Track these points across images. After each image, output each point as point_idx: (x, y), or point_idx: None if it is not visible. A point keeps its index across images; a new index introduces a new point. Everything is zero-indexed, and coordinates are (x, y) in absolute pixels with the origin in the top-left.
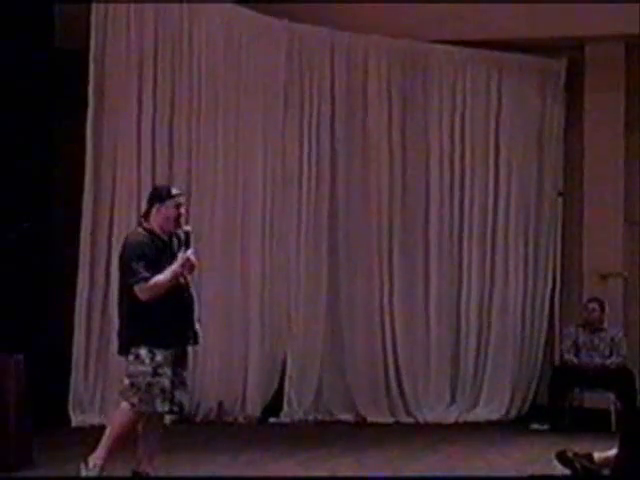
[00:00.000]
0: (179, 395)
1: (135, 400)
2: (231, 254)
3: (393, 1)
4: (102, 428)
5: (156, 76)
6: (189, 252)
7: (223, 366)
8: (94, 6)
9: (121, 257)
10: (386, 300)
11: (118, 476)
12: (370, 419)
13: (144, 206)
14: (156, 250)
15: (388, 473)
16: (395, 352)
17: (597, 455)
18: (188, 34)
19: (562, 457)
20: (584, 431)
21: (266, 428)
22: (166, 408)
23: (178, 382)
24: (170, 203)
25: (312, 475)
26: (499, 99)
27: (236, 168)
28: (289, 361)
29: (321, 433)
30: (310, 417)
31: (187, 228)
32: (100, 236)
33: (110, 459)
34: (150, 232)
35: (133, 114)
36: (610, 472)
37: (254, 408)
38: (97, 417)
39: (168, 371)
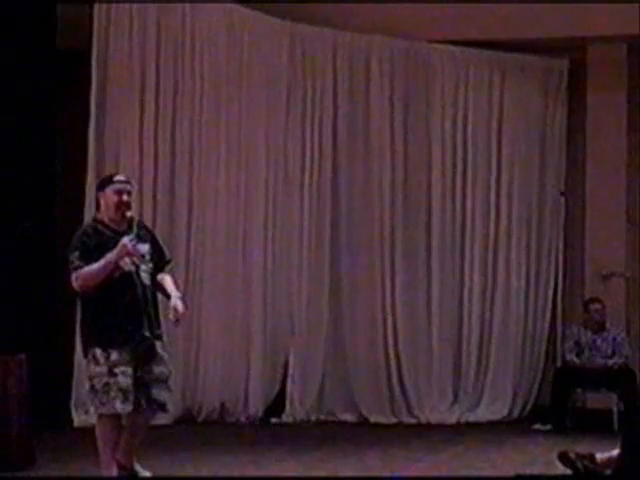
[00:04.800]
0: (157, 392)
1: (96, 403)
2: (233, 254)
3: (395, 1)
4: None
5: (158, 76)
6: (125, 239)
7: (225, 366)
8: (96, 6)
9: None
10: (388, 301)
11: (116, 476)
12: (372, 419)
13: (145, 206)
14: (100, 240)
15: (389, 474)
16: (397, 352)
17: (599, 455)
18: (190, 34)
19: (564, 457)
20: (586, 431)
21: (268, 428)
22: (128, 408)
23: (151, 379)
24: (110, 189)
25: (314, 475)
26: (501, 99)
27: (238, 168)
28: (291, 361)
29: (323, 433)
30: (312, 417)
31: (129, 214)
32: None
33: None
34: (99, 222)
35: (135, 114)
36: (612, 472)
37: (256, 408)
38: None
39: (127, 370)
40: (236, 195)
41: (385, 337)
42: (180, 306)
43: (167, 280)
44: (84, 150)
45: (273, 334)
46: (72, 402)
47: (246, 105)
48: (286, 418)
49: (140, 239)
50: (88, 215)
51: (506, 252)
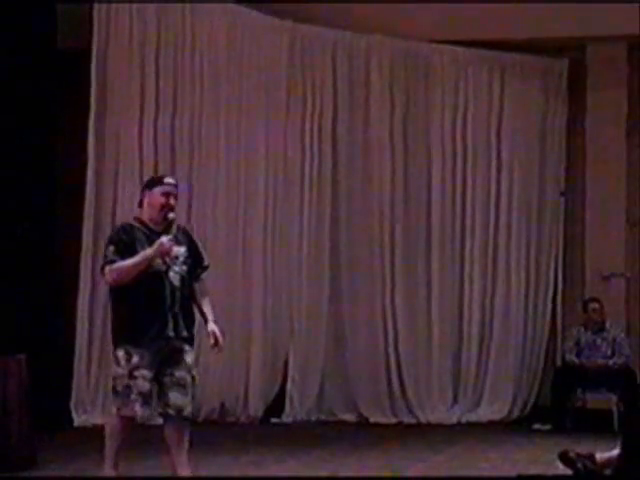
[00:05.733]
0: (174, 397)
1: (118, 404)
2: (233, 254)
3: (395, 1)
4: (104, 428)
5: (158, 76)
6: (164, 237)
7: (225, 366)
8: (96, 6)
9: None
10: (388, 301)
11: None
12: (372, 419)
13: None
14: (136, 237)
15: (389, 474)
16: (397, 352)
17: (599, 455)
18: (190, 34)
19: (564, 457)
20: (586, 431)
21: (268, 428)
22: (147, 412)
23: (171, 383)
24: (158, 190)
25: (314, 475)
26: (501, 99)
27: (238, 167)
28: (291, 361)
29: (323, 433)
30: (312, 417)
31: (171, 215)
32: (102, 236)
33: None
34: (137, 220)
35: (135, 114)
36: (612, 472)
37: (256, 408)
38: (99, 417)
39: (147, 373)
40: (236, 195)
41: (385, 337)
42: (219, 333)
43: (206, 302)
44: (84, 150)
45: (273, 334)
46: (72, 402)
47: (246, 105)
48: (286, 418)
49: (177, 241)
50: (89, 215)
51: (506, 252)
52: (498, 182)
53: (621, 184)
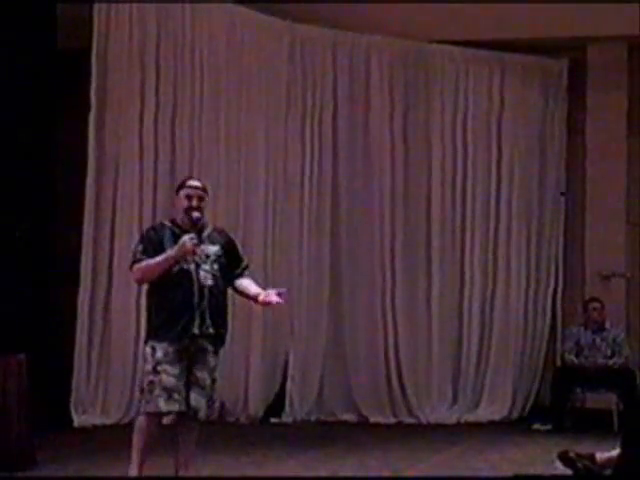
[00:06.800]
0: (193, 397)
1: (143, 401)
2: None
3: (395, 1)
4: (104, 428)
5: (158, 76)
6: (185, 237)
7: (225, 366)
8: (96, 6)
9: None
10: (388, 300)
11: (118, 477)
12: (372, 419)
13: (145, 205)
14: (165, 236)
15: (389, 474)
16: (397, 352)
17: (599, 455)
18: (190, 34)
19: (564, 457)
20: (586, 431)
21: (268, 428)
22: (172, 408)
23: (192, 383)
24: (182, 193)
25: (314, 475)
26: (501, 100)
27: (238, 168)
28: (291, 361)
29: (323, 433)
30: (312, 417)
31: (195, 215)
32: (102, 235)
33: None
34: (171, 221)
35: (135, 114)
36: (612, 472)
37: (256, 408)
38: (99, 417)
39: (171, 369)
40: (236, 195)
41: (385, 337)
42: (273, 291)
43: (246, 282)
44: (84, 150)
45: (273, 334)
46: (72, 402)
47: (246, 105)
48: (286, 418)
49: (209, 241)
50: (89, 214)
51: (506, 252)
52: (498, 182)
53: (621, 184)
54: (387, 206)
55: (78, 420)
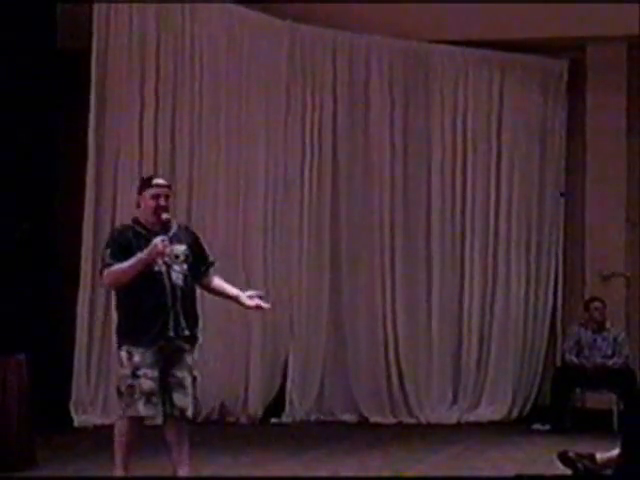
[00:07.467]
0: (177, 397)
1: (122, 405)
2: (233, 254)
3: (395, 1)
4: (104, 428)
5: (158, 76)
6: (157, 238)
7: (225, 366)
8: (96, 6)
9: None
10: (388, 301)
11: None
12: (372, 419)
13: None
14: (133, 239)
15: (389, 474)
16: (397, 352)
17: (599, 455)
18: (190, 34)
19: (564, 457)
20: (586, 431)
21: (268, 428)
22: (151, 412)
23: (173, 383)
24: (148, 193)
25: (314, 475)
26: (501, 99)
27: (238, 168)
28: (291, 361)
29: (323, 433)
30: (312, 417)
31: (165, 216)
32: (102, 236)
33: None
34: (136, 222)
35: (135, 114)
36: (612, 472)
37: (256, 408)
38: (99, 417)
39: (150, 372)
40: (236, 195)
41: (385, 337)
42: (254, 293)
43: (218, 281)
44: (84, 150)
45: (273, 334)
46: (72, 402)
47: (246, 105)
48: (286, 418)
49: (177, 240)
50: (89, 215)
51: (506, 252)
52: (498, 182)
53: (621, 184)
54: (387, 206)
55: (78, 420)
